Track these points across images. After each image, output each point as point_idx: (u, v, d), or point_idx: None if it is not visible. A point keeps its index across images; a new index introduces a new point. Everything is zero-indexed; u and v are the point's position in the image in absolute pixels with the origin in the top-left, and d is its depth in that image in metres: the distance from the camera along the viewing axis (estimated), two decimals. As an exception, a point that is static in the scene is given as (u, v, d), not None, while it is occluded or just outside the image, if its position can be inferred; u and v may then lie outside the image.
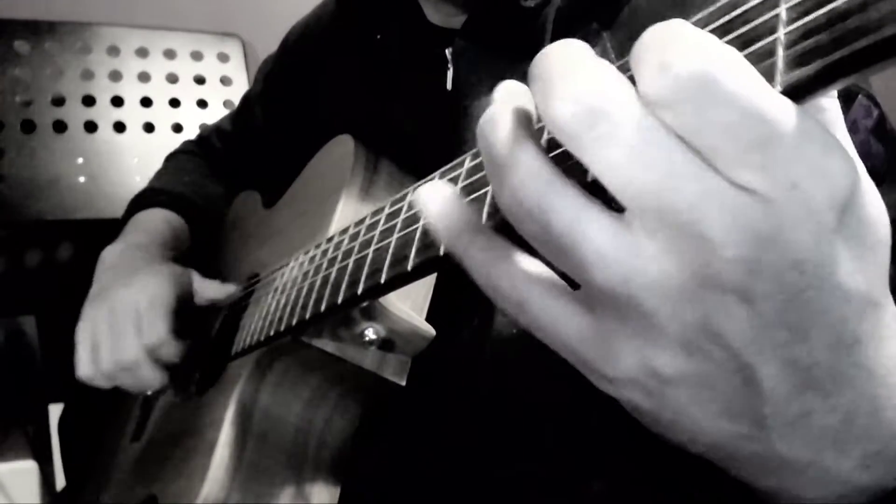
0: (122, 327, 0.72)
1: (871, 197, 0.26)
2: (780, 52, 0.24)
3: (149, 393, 0.84)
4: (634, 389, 0.28)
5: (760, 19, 0.24)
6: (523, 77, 0.60)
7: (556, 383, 0.58)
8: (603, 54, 0.59)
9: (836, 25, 0.22)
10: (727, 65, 0.23)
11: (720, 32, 0.26)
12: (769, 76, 0.24)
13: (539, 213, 0.26)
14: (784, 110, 0.23)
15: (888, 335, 0.27)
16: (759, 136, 0.23)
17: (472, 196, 0.35)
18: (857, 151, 0.28)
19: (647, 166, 0.24)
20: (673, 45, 0.23)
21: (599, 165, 0.24)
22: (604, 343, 0.27)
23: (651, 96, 0.24)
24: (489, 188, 0.33)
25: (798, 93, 0.23)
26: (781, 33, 0.24)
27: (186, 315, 0.75)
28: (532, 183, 0.26)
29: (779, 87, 0.23)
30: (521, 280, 0.28)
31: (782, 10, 0.24)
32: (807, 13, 0.23)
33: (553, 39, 0.58)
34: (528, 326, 0.29)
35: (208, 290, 0.78)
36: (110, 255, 0.82)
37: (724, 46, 0.24)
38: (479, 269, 0.29)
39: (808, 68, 0.23)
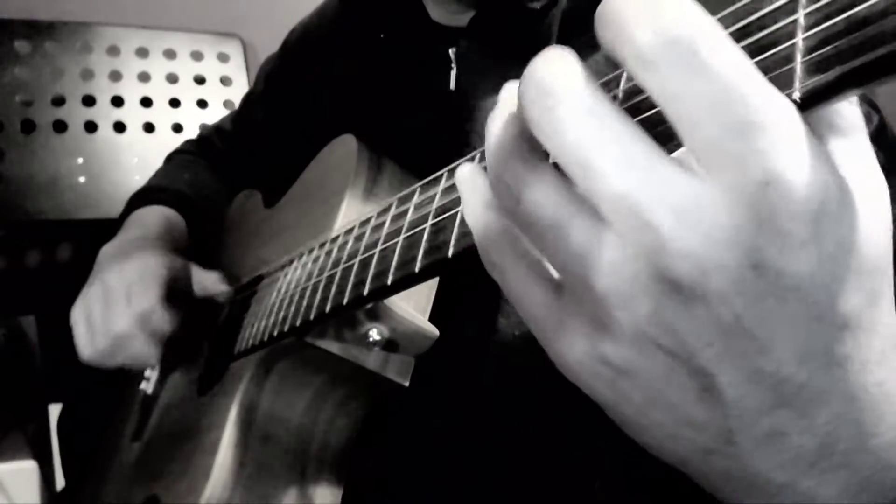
0: (115, 302, 0.72)
1: (868, 223, 0.25)
2: (799, 58, 0.23)
3: (144, 387, 0.84)
4: (588, 375, 0.27)
5: (778, 24, 0.24)
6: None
7: (558, 383, 0.58)
8: (608, 57, 0.59)
9: (855, 32, 0.22)
10: (721, 40, 0.23)
11: (736, 37, 0.25)
12: (787, 82, 0.23)
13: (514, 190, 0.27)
14: (774, 103, 0.22)
15: (876, 360, 0.26)
16: (740, 120, 0.22)
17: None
18: None
19: (598, 146, 0.24)
20: (670, 7, 0.23)
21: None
22: (559, 323, 0.28)
23: (641, 53, 0.23)
24: None
25: (816, 99, 0.23)
26: (800, 39, 0.23)
27: (182, 300, 0.76)
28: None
29: (797, 94, 0.23)
30: (505, 252, 0.30)
31: (800, 16, 0.23)
32: (826, 19, 0.23)
33: (559, 41, 0.58)
34: (508, 295, 0.30)
35: (207, 281, 0.78)
36: (106, 252, 0.82)
37: (714, 20, 0.23)
38: (479, 239, 0.31)
39: (826, 75, 0.22)
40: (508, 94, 0.30)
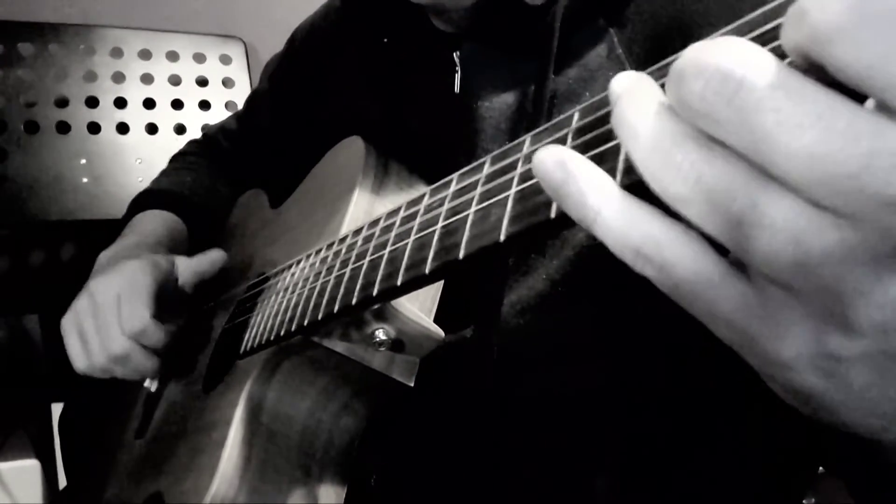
0: (106, 318, 0.72)
1: None
2: None
3: (148, 385, 0.84)
4: (804, 368, 0.25)
5: None
6: (528, 76, 0.61)
7: (561, 382, 0.59)
8: (610, 51, 0.59)
9: None
10: None
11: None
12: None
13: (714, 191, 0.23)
14: None
15: None
16: None
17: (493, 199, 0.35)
18: None
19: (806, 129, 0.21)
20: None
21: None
22: (768, 317, 0.24)
23: (820, 28, 0.20)
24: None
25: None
26: None
27: (171, 298, 0.76)
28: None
29: None
30: (666, 242, 0.25)
31: None
32: None
33: (560, 38, 0.59)
34: (677, 295, 0.26)
35: (192, 263, 0.79)
36: (103, 258, 0.82)
37: None
38: (615, 233, 0.26)
39: None
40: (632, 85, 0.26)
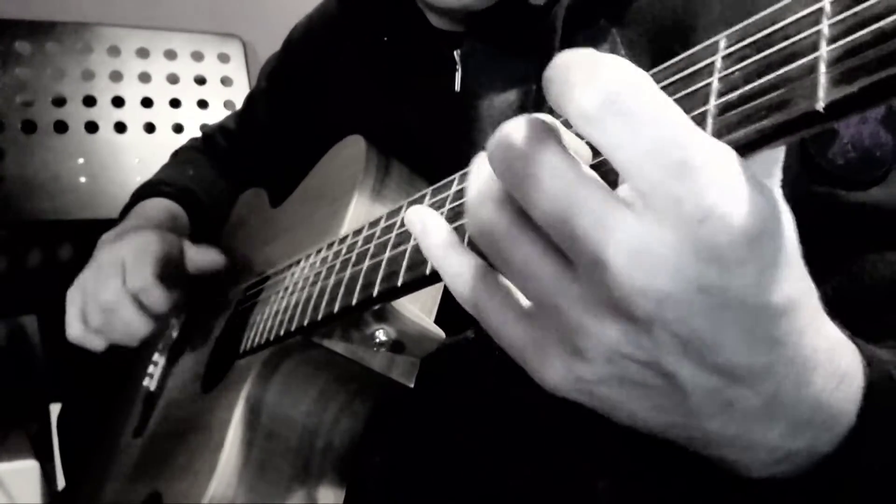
0: (107, 278, 0.72)
1: (788, 222, 0.28)
2: (823, 68, 0.23)
3: (147, 384, 0.84)
4: (567, 391, 0.31)
5: (801, 35, 0.24)
6: (530, 75, 0.61)
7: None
8: (612, 51, 0.59)
9: (881, 44, 0.22)
10: (654, 94, 0.26)
11: (758, 47, 0.25)
12: (811, 93, 0.23)
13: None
14: (704, 146, 0.25)
15: (808, 326, 0.30)
16: (675, 164, 0.25)
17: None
18: (867, 141, 0.29)
19: (553, 197, 0.27)
20: (605, 68, 0.26)
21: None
22: (536, 349, 0.31)
23: (583, 112, 0.26)
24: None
25: (839, 110, 0.23)
26: (824, 50, 0.23)
27: (175, 271, 0.76)
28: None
29: (821, 104, 0.23)
30: (479, 290, 0.33)
31: (824, 27, 0.23)
32: (851, 31, 0.23)
33: (563, 37, 0.59)
34: (486, 328, 0.33)
35: (199, 255, 0.79)
36: (105, 239, 0.82)
37: (646, 75, 0.26)
38: (449, 280, 0.34)
39: (851, 86, 0.22)
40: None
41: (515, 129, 0.29)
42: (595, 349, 0.29)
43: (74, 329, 0.74)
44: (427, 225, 0.35)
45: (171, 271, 0.75)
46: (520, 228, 0.30)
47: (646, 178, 0.25)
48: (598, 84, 0.26)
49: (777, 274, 0.27)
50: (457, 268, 0.34)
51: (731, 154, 0.25)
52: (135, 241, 0.75)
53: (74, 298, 0.75)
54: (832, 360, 0.33)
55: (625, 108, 0.25)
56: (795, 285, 0.29)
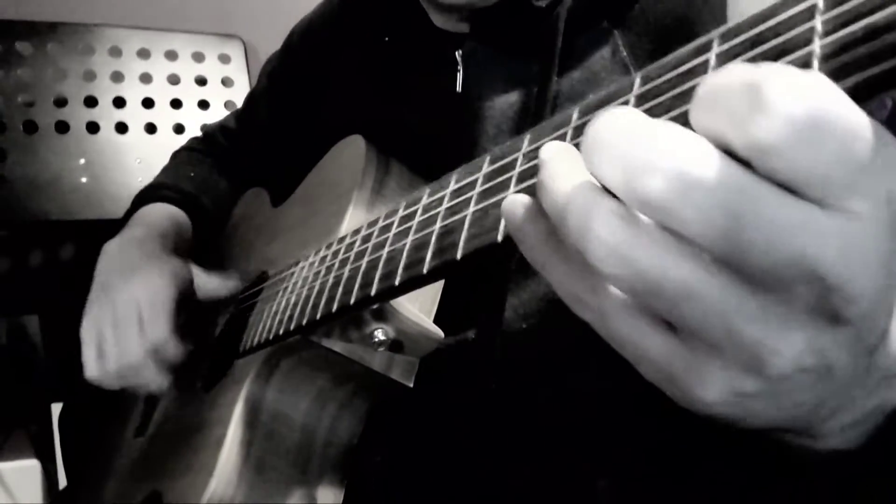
0: (126, 328, 0.72)
1: None
2: (816, 64, 0.23)
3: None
4: (723, 408, 0.28)
5: (794, 31, 0.24)
6: (531, 77, 0.61)
7: (563, 383, 0.59)
8: (614, 53, 0.59)
9: (873, 40, 0.22)
10: (833, 95, 0.22)
11: (751, 43, 0.25)
12: None
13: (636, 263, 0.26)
14: (869, 128, 0.23)
15: None
16: (861, 160, 0.23)
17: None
18: None
19: (742, 222, 0.24)
20: (769, 86, 0.22)
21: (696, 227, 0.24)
22: (692, 368, 0.27)
23: (762, 143, 0.23)
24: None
25: None
26: (817, 46, 0.23)
27: (188, 312, 0.76)
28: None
29: None
30: (603, 294, 0.28)
31: (818, 23, 0.23)
32: (843, 26, 0.23)
33: (564, 39, 0.59)
34: (609, 339, 0.29)
35: (210, 285, 0.78)
36: (111, 249, 0.82)
37: (817, 75, 0.23)
38: (560, 281, 0.30)
39: (845, 82, 0.22)
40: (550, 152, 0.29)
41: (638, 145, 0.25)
42: (774, 363, 0.25)
43: (92, 371, 0.73)
44: (526, 215, 0.31)
45: (186, 313, 0.75)
46: (666, 247, 0.25)
47: (829, 178, 0.23)
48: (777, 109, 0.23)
49: None
50: (568, 267, 0.29)
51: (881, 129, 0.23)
52: (150, 284, 0.74)
53: (90, 337, 0.74)
54: None
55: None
56: None
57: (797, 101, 0.22)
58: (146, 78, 1.41)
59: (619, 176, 0.25)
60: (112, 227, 0.91)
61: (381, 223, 0.50)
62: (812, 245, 0.23)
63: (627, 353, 0.29)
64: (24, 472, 1.22)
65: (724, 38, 0.27)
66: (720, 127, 0.24)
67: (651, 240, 0.25)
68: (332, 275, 0.54)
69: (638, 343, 0.28)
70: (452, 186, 0.41)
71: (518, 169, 0.35)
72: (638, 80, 0.30)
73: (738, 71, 0.23)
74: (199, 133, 1.07)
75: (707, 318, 0.25)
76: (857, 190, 0.23)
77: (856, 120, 0.22)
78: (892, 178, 0.24)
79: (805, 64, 0.24)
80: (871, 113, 0.31)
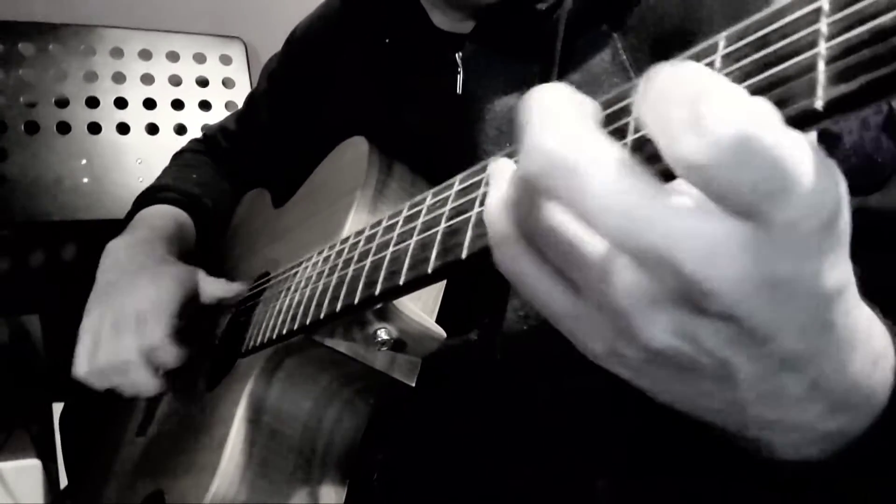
0: (124, 328, 0.72)
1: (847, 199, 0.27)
2: (822, 66, 0.23)
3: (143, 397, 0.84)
4: (610, 365, 0.32)
5: (800, 34, 0.24)
6: (531, 79, 0.61)
7: (563, 383, 0.59)
8: (614, 56, 0.60)
9: (879, 43, 0.22)
10: (764, 119, 0.23)
11: (757, 46, 0.25)
12: (810, 90, 0.23)
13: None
14: (800, 151, 0.23)
15: (854, 305, 0.30)
16: (778, 187, 0.23)
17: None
18: (868, 147, 0.28)
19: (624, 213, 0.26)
20: (706, 103, 0.23)
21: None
22: (579, 321, 0.31)
23: (688, 160, 0.24)
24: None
25: (838, 108, 0.23)
26: (822, 48, 0.23)
27: (190, 318, 0.76)
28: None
29: (820, 102, 0.23)
30: (525, 259, 0.31)
31: (823, 25, 0.23)
32: (849, 29, 0.23)
33: (564, 42, 0.59)
34: (526, 296, 0.32)
35: (214, 288, 0.78)
36: (114, 249, 0.82)
37: (754, 99, 0.24)
38: (497, 249, 0.33)
39: (850, 84, 0.23)
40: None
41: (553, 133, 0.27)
42: (643, 334, 0.28)
43: (81, 366, 0.73)
44: (498, 178, 0.33)
45: (187, 319, 0.75)
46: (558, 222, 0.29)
47: (717, 183, 0.24)
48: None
49: (838, 256, 0.27)
50: (507, 230, 0.32)
51: (804, 141, 0.24)
52: (153, 289, 0.74)
53: (87, 335, 0.74)
54: (869, 341, 0.32)
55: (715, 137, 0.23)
56: (846, 264, 0.28)
57: (728, 125, 0.23)
58: (147, 79, 1.41)
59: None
60: (113, 228, 0.91)
61: (384, 223, 0.50)
62: (676, 242, 0.25)
63: (537, 305, 0.32)
64: (26, 472, 1.22)
65: (730, 39, 0.27)
66: (653, 130, 0.25)
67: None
68: (336, 275, 0.54)
69: (543, 295, 0.31)
70: (457, 187, 0.41)
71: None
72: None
73: (687, 79, 0.24)
74: (200, 134, 1.07)
75: (588, 283, 0.29)
76: (762, 217, 0.24)
77: (788, 146, 0.23)
78: (801, 207, 0.24)
79: (810, 66, 0.24)
80: (866, 119, 0.32)
